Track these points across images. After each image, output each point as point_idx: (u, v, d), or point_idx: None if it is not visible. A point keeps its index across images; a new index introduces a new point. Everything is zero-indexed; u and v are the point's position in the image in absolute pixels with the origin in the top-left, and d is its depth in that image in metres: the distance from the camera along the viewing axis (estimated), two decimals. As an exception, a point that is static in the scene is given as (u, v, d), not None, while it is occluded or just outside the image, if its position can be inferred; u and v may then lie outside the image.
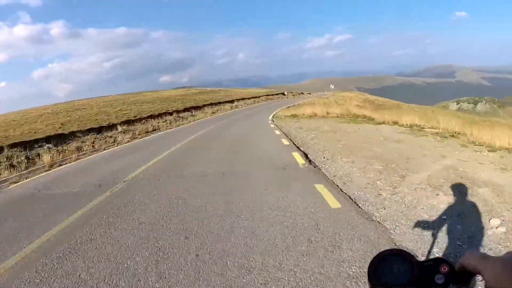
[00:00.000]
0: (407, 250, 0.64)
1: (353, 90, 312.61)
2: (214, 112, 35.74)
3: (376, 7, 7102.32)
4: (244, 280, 3.00)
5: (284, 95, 63.01)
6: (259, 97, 56.07)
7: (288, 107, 33.57)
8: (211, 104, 41.91)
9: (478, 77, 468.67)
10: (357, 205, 4.75)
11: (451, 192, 4.89)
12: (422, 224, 3.86)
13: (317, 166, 7.28)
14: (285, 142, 11.15)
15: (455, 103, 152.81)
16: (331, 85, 54.27)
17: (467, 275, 0.57)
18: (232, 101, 47.11)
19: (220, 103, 44.30)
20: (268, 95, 59.97)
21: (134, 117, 27.66)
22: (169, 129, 22.65)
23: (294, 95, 66.96)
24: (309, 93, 78.87)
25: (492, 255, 0.54)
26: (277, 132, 14.51)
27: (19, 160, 13.52)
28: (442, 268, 0.57)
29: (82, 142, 17.83)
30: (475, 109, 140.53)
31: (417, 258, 0.61)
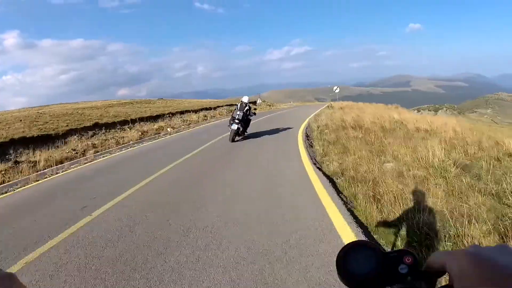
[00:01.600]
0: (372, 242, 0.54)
1: (313, 100, 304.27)
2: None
3: (333, 20, 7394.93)
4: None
5: (256, 104, 38.61)
6: (215, 108, 31.85)
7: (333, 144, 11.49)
8: (96, 126, 16.93)
9: (432, 86, 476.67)
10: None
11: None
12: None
13: None
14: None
15: (415, 110, 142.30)
16: (335, 88, 32.19)
17: (434, 275, 0.57)
18: (157, 118, 22.26)
19: (125, 123, 19.34)
20: (231, 105, 35.52)
21: None
22: None
23: (270, 105, 43.15)
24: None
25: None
26: None
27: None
28: (406, 259, 0.58)
29: None
30: (436, 115, 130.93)
31: (382, 249, 0.62)
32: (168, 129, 18.24)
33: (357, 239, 0.72)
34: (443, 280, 0.57)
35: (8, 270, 0.76)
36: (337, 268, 0.60)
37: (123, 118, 20.27)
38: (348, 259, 0.60)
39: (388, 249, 2.86)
